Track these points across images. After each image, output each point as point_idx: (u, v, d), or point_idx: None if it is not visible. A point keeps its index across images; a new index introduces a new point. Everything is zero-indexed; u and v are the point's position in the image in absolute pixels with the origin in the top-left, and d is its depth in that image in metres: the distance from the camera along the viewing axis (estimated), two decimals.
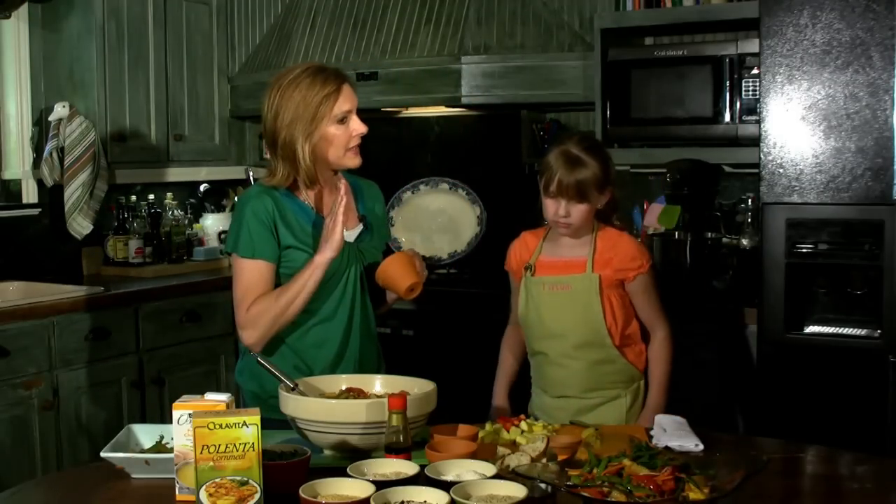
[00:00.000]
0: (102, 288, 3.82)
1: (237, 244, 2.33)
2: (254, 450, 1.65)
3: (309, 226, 2.36)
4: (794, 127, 3.03)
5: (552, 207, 2.45)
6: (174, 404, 1.79)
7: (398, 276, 2.30)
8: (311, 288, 2.28)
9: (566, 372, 2.48)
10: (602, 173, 2.42)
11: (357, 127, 2.34)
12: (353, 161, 2.37)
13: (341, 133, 2.32)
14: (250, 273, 2.32)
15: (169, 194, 4.55)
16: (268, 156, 4.65)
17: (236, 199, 4.78)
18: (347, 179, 2.47)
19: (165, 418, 2.59)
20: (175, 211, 4.54)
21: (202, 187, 4.76)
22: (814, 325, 3.09)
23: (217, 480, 1.64)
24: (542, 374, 2.55)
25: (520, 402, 2.62)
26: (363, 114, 4.81)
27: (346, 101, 2.32)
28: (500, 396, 2.62)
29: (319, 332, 2.37)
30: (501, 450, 1.95)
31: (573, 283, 2.45)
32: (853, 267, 3.02)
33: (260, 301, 2.30)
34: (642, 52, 3.70)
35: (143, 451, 1.96)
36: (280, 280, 2.35)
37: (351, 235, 2.42)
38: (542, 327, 2.50)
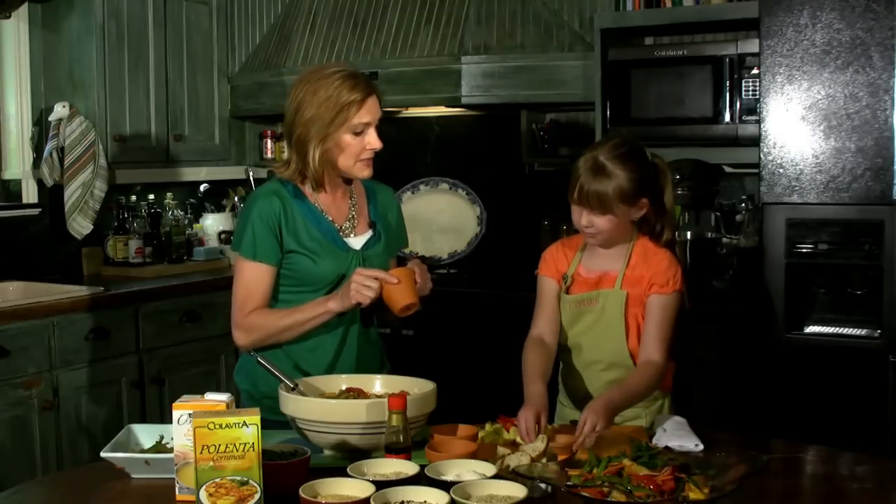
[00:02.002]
0: (102, 288, 3.82)
1: (241, 244, 2.33)
2: (254, 450, 1.65)
3: (315, 229, 2.34)
4: (794, 127, 3.03)
5: (576, 215, 2.33)
6: (174, 404, 1.79)
7: (395, 294, 2.23)
8: (313, 325, 2.30)
9: (585, 386, 2.38)
10: (631, 185, 2.26)
11: (372, 141, 2.30)
12: (364, 172, 2.35)
13: (355, 143, 2.29)
14: (250, 275, 2.33)
15: (169, 194, 4.55)
16: (269, 155, 4.63)
17: (236, 198, 4.79)
18: (363, 183, 2.46)
19: (165, 418, 2.59)
20: (175, 211, 4.54)
21: (202, 187, 4.76)
22: (814, 325, 3.09)
23: (217, 480, 1.64)
24: (564, 382, 2.47)
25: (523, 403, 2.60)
26: None
27: (367, 114, 2.28)
28: (533, 386, 2.27)
29: (314, 337, 2.35)
30: (501, 450, 1.95)
31: (601, 298, 2.35)
32: (853, 267, 3.02)
33: (262, 313, 2.32)
34: (642, 52, 3.70)
35: (143, 451, 1.96)
36: (280, 280, 2.35)
37: (358, 242, 2.39)
38: (570, 339, 2.41)
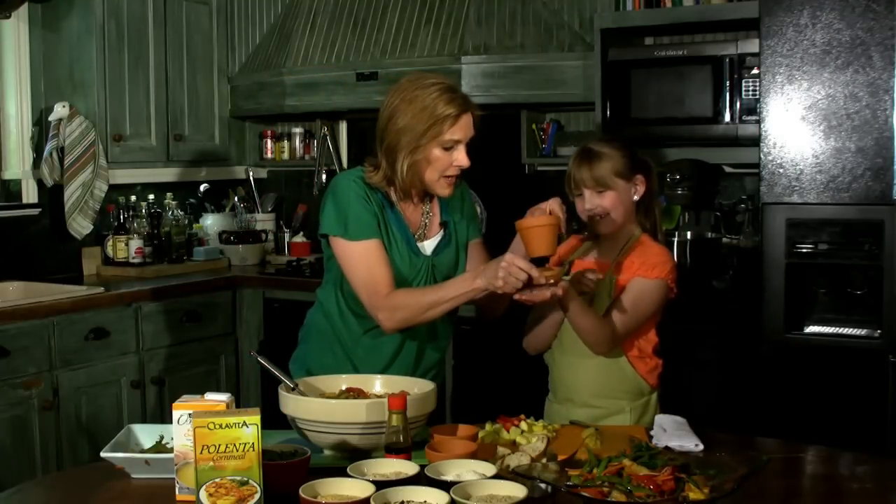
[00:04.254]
0: (102, 288, 3.82)
1: (346, 228, 2.28)
2: (254, 450, 1.65)
3: (395, 227, 2.31)
4: (794, 127, 3.03)
5: (580, 206, 2.43)
6: (174, 404, 1.79)
7: (533, 243, 2.17)
8: (459, 302, 2.24)
9: (573, 372, 2.43)
10: (623, 161, 2.39)
11: (460, 158, 2.27)
12: (444, 190, 2.32)
13: (443, 158, 2.26)
14: (368, 254, 2.27)
15: (169, 194, 4.56)
16: (269, 155, 4.62)
17: (236, 198, 4.78)
18: None
19: (165, 418, 2.59)
20: (175, 211, 4.54)
21: (202, 187, 4.76)
22: (814, 325, 3.09)
23: (217, 480, 1.64)
24: (552, 375, 2.51)
25: (523, 403, 2.60)
26: (364, 114, 4.81)
27: (459, 131, 2.25)
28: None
29: (373, 339, 2.36)
30: (501, 450, 1.95)
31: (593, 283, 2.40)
32: (853, 267, 3.02)
33: (405, 292, 2.27)
34: (642, 52, 3.70)
35: (143, 451, 1.96)
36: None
37: (429, 246, 2.38)
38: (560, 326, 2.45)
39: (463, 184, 2.49)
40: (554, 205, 2.25)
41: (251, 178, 4.86)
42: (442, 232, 2.41)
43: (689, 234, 3.65)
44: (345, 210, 2.29)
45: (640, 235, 2.46)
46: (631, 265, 2.40)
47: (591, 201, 2.40)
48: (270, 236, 4.80)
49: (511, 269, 2.12)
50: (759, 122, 3.13)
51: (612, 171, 2.38)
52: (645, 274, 2.38)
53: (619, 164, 2.39)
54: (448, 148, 2.26)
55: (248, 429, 1.64)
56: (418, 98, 2.23)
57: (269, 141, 4.85)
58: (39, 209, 4.22)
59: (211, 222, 4.73)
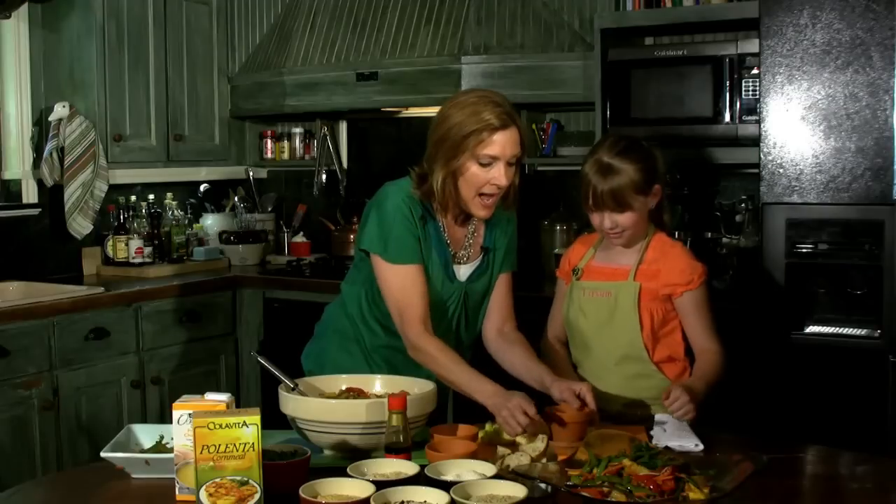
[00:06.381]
0: (102, 288, 3.82)
1: (386, 248, 2.23)
2: (254, 450, 1.65)
3: (434, 251, 2.27)
4: (794, 127, 3.03)
5: (596, 220, 2.37)
6: (174, 404, 1.79)
7: (560, 433, 2.08)
8: (460, 390, 2.19)
9: (601, 384, 2.37)
10: (641, 175, 2.30)
11: (496, 177, 2.17)
12: (479, 211, 2.23)
13: (479, 174, 2.18)
14: (404, 280, 2.22)
15: (169, 194, 4.56)
16: (269, 155, 4.62)
17: (236, 198, 4.78)
18: None
19: (165, 418, 2.58)
20: (175, 211, 4.54)
21: (202, 187, 4.76)
22: (814, 325, 3.09)
23: (217, 480, 1.64)
24: None
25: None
26: (364, 114, 4.80)
27: (495, 147, 2.17)
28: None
29: (393, 351, 2.35)
30: (501, 450, 1.95)
31: (614, 290, 2.37)
32: (853, 267, 3.02)
33: (440, 349, 2.20)
34: (642, 52, 3.70)
35: (143, 451, 1.96)
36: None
37: (466, 271, 2.33)
38: (581, 334, 2.43)
39: (512, 211, 2.39)
40: (587, 394, 2.10)
41: (251, 178, 4.86)
42: (481, 258, 2.36)
43: (689, 235, 3.65)
44: (388, 230, 2.23)
45: (653, 233, 2.43)
46: (657, 272, 2.37)
47: (610, 220, 2.33)
48: (270, 236, 4.80)
49: (517, 415, 2.01)
50: (759, 122, 3.13)
51: (632, 189, 2.30)
52: (689, 287, 2.36)
53: (639, 180, 2.30)
54: (485, 164, 2.17)
55: (248, 429, 1.64)
56: (466, 107, 2.18)
57: (269, 141, 4.85)
58: (39, 209, 4.22)
59: (211, 222, 4.73)
